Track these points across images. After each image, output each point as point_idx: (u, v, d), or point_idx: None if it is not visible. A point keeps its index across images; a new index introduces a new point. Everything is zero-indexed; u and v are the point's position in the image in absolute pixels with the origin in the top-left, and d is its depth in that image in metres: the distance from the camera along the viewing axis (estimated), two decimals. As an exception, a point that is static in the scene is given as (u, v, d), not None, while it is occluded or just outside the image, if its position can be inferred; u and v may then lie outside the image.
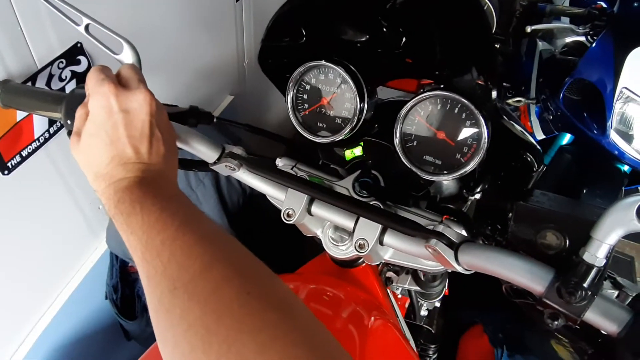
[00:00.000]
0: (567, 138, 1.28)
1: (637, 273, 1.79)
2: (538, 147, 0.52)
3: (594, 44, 1.11)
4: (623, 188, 1.13)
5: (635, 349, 0.35)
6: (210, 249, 0.36)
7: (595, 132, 1.05)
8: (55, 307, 0.89)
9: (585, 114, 1.09)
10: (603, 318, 0.37)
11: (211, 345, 0.30)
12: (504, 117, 0.51)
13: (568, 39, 1.32)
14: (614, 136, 1.01)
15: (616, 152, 1.03)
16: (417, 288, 0.78)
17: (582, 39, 1.25)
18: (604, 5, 1.19)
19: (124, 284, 1.03)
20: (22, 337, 0.85)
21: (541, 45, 1.32)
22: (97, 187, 0.42)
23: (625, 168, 1.14)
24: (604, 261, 0.36)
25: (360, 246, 0.52)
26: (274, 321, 0.31)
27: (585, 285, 0.36)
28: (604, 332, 0.38)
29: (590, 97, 1.06)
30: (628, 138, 1.01)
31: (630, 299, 0.42)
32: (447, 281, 0.85)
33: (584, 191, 1.12)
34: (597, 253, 0.36)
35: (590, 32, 1.20)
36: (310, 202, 0.55)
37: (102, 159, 0.42)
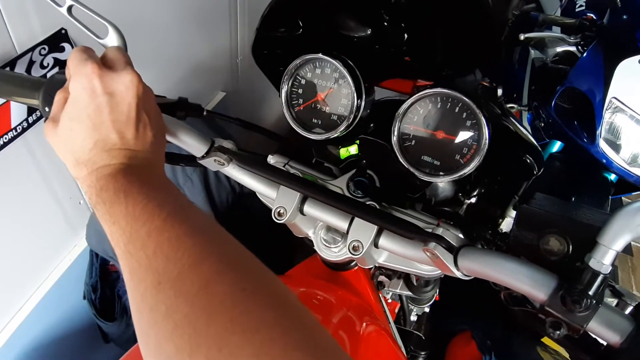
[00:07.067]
0: (557, 146, 1.29)
1: (620, 282, 1.82)
2: (540, 149, 0.51)
3: (584, 54, 1.13)
4: (610, 197, 1.14)
5: (637, 361, 0.34)
6: (201, 242, 0.33)
7: (585, 140, 1.06)
8: (29, 306, 0.85)
9: (575, 123, 1.10)
10: (606, 328, 0.35)
11: (199, 347, 0.27)
12: (510, 117, 0.50)
13: (559, 49, 1.33)
14: (602, 145, 1.02)
15: (604, 161, 1.04)
16: (409, 293, 0.76)
17: (573, 48, 1.27)
18: (594, 16, 1.21)
19: (103, 283, 0.99)
20: (-8, 337, 0.80)
21: (533, 53, 1.33)
22: (77, 174, 0.39)
23: (612, 177, 1.15)
24: (610, 268, 0.35)
25: (355, 248, 0.50)
26: (271, 320, 0.28)
27: (590, 293, 0.35)
28: (603, 342, 0.37)
29: (581, 106, 1.07)
30: (616, 147, 1.02)
31: (631, 309, 0.41)
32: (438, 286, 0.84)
33: (573, 199, 1.12)
34: (604, 260, 0.35)
35: (581, 42, 1.22)
36: (303, 201, 0.53)
37: (84, 144, 0.39)
